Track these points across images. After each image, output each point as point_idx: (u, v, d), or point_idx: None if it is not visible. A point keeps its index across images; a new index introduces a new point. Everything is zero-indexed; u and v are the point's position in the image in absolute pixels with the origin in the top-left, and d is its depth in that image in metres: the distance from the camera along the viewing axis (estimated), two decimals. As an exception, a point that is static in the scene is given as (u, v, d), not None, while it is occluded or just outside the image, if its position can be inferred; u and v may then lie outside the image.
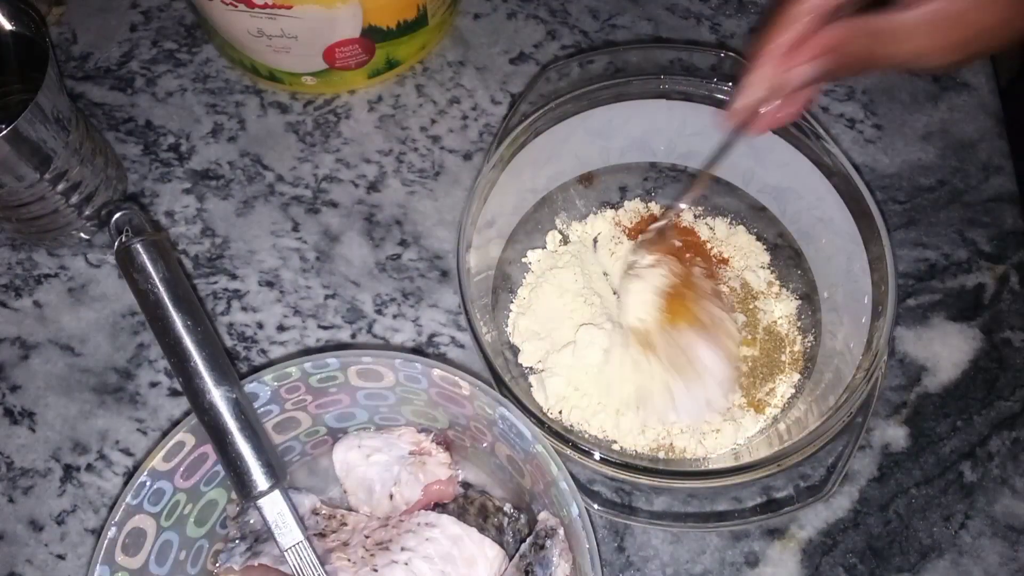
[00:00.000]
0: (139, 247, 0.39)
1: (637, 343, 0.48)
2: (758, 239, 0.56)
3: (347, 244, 0.58)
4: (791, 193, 0.53)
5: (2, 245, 0.58)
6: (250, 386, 0.41)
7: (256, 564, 0.41)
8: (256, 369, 0.44)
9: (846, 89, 0.63)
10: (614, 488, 0.49)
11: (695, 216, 0.57)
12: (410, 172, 0.60)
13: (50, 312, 0.56)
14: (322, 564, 0.40)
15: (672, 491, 0.49)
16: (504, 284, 0.54)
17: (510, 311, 0.54)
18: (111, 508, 0.40)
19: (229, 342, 0.55)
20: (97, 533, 0.48)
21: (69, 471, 0.51)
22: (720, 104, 0.52)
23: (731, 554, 0.49)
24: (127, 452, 0.52)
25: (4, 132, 0.46)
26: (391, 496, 0.44)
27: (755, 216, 0.56)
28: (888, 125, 0.62)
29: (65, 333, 0.55)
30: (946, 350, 0.54)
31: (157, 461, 0.39)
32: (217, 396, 0.39)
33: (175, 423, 0.48)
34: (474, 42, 0.66)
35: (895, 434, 0.52)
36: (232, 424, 0.39)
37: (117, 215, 0.40)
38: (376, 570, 0.40)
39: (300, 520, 0.40)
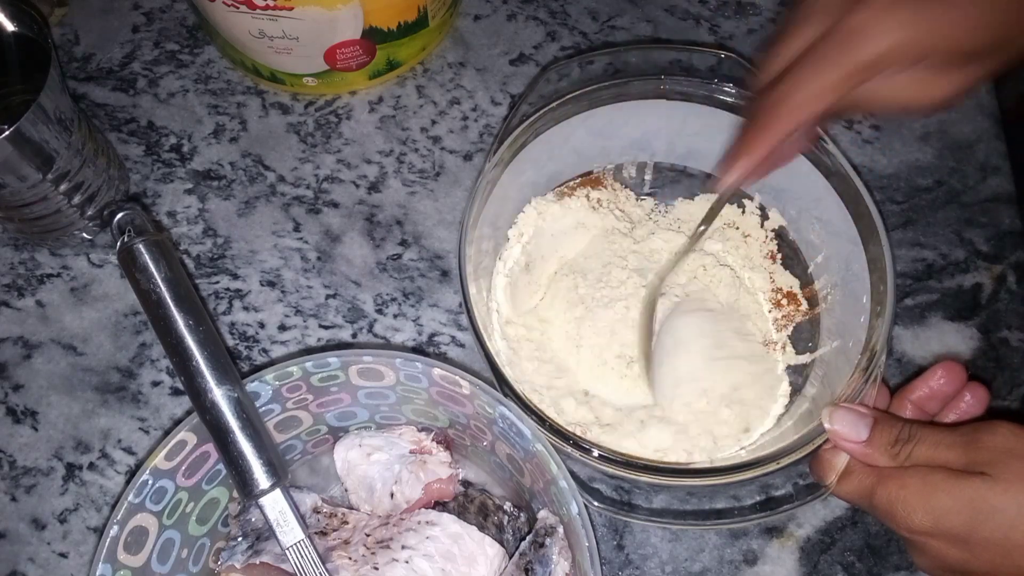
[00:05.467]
0: (141, 247, 0.39)
1: None
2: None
3: (348, 244, 0.58)
4: (790, 193, 0.54)
5: (5, 245, 0.58)
6: (251, 385, 0.41)
7: (258, 562, 0.42)
8: (257, 368, 0.44)
9: (845, 90, 0.63)
10: (613, 486, 0.50)
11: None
12: (411, 172, 0.61)
13: (52, 312, 0.56)
14: (323, 562, 0.40)
15: (671, 489, 0.49)
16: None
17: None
18: (113, 506, 0.40)
19: (231, 341, 0.55)
20: (99, 531, 0.49)
21: (71, 470, 0.52)
22: (719, 104, 0.52)
23: (730, 552, 0.49)
24: (129, 451, 0.52)
25: (7, 133, 0.46)
26: (392, 494, 0.44)
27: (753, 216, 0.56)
28: (886, 126, 0.62)
29: (67, 333, 0.55)
30: (944, 349, 0.54)
31: (159, 460, 0.39)
32: (219, 395, 0.39)
33: (177, 422, 0.48)
34: (474, 43, 0.66)
35: (893, 433, 0.52)
36: (234, 423, 0.39)
37: (119, 215, 0.40)
38: (377, 568, 0.40)
39: (301, 518, 0.40)
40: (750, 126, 0.42)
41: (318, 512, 0.45)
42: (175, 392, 0.54)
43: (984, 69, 0.39)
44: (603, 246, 0.55)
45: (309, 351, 0.55)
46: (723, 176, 0.44)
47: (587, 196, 0.56)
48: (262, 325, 0.56)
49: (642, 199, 0.58)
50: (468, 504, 0.45)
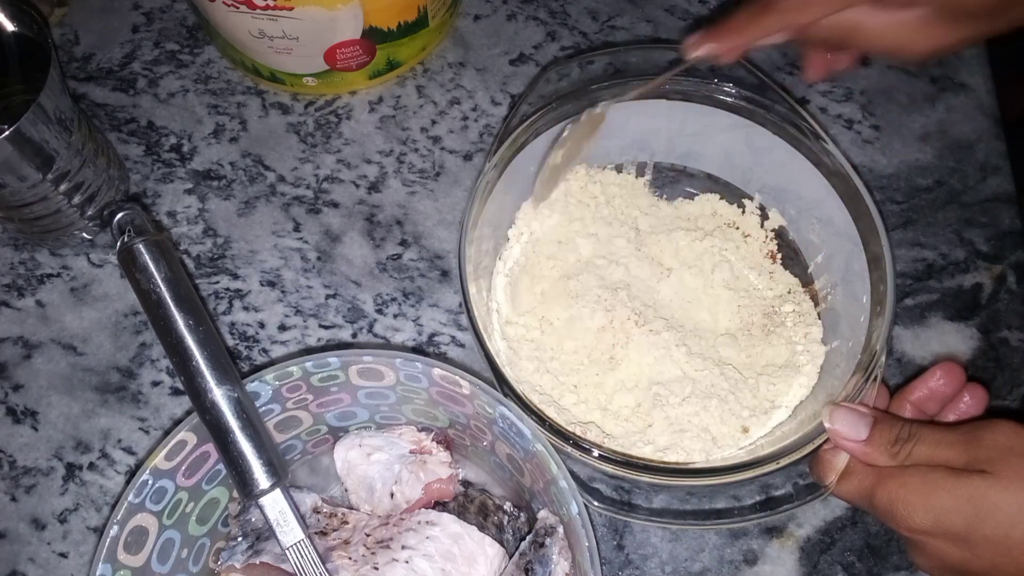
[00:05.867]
0: (141, 247, 0.39)
1: None
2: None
3: (348, 244, 0.58)
4: (790, 193, 0.54)
5: (5, 245, 0.58)
6: (251, 385, 0.41)
7: (258, 562, 0.42)
8: (258, 368, 0.44)
9: (844, 90, 0.63)
10: (614, 486, 0.50)
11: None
12: (411, 172, 0.61)
13: (52, 312, 0.56)
14: (323, 562, 0.40)
15: (671, 489, 0.49)
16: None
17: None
18: (113, 506, 0.40)
19: (231, 341, 0.55)
20: (99, 531, 0.49)
21: (71, 470, 0.52)
22: (719, 104, 0.52)
23: (730, 552, 0.49)
24: (129, 451, 0.52)
25: (7, 133, 0.46)
26: (392, 494, 0.44)
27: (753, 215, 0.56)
28: (886, 126, 0.62)
29: (67, 332, 0.55)
30: (944, 350, 0.54)
31: (159, 460, 0.39)
32: (219, 395, 0.39)
33: (177, 422, 0.48)
34: (474, 43, 0.66)
35: (893, 433, 0.52)
36: (234, 423, 0.39)
37: (119, 215, 0.40)
38: (377, 568, 0.40)
39: (301, 518, 0.40)
40: (744, 12, 0.42)
41: (318, 512, 0.45)
42: (175, 392, 0.54)
43: (978, 31, 0.39)
44: (603, 246, 0.54)
45: (309, 351, 0.55)
46: (696, 44, 0.44)
47: (588, 194, 0.56)
48: (262, 325, 0.56)
49: (655, 199, 0.57)
50: (468, 504, 0.45)
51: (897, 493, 0.38)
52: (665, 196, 0.58)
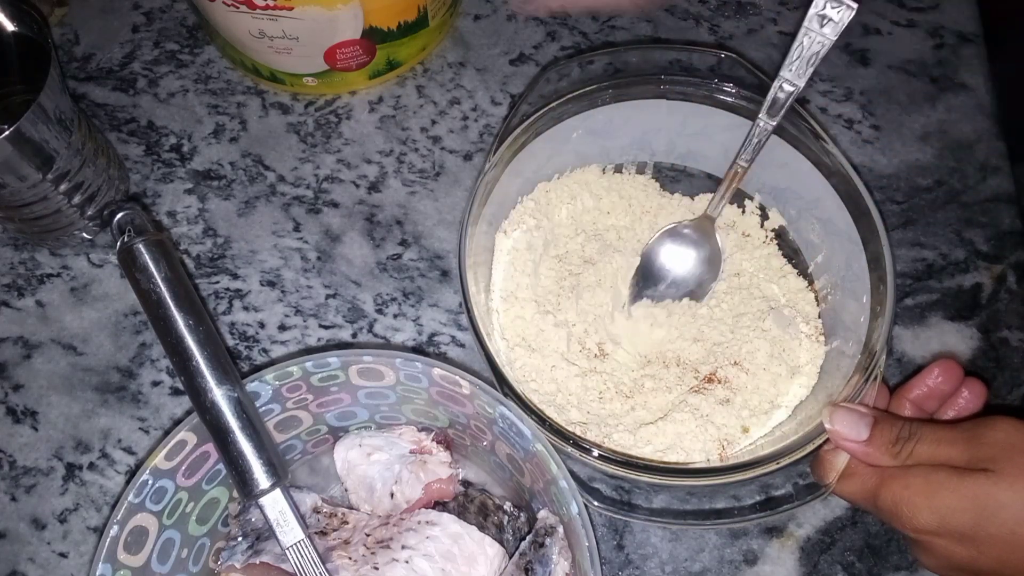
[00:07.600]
0: (141, 247, 0.39)
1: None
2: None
3: (348, 244, 0.58)
4: (790, 193, 0.54)
5: (5, 245, 0.58)
6: (251, 385, 0.41)
7: (258, 562, 0.42)
8: (258, 368, 0.44)
9: (844, 90, 0.63)
10: (614, 486, 0.50)
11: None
12: (411, 172, 0.61)
13: (52, 312, 0.56)
14: (323, 562, 0.40)
15: (671, 488, 0.49)
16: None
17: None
18: (113, 506, 0.40)
19: (231, 341, 0.55)
20: (99, 531, 0.49)
21: (71, 470, 0.52)
22: (719, 104, 0.52)
23: (730, 552, 0.49)
24: (129, 451, 0.52)
25: (7, 132, 0.46)
26: (392, 494, 0.44)
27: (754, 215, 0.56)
28: (886, 126, 0.62)
29: (67, 332, 0.55)
30: (944, 350, 0.54)
31: (159, 460, 0.39)
32: (219, 395, 0.39)
33: (177, 422, 0.48)
34: (474, 43, 0.66)
35: (893, 433, 0.52)
36: (234, 423, 0.39)
37: (119, 215, 0.40)
38: (377, 568, 0.40)
39: (301, 518, 0.40)
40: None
41: (318, 512, 0.45)
42: (175, 392, 0.54)
43: None
44: (602, 244, 0.55)
45: (309, 351, 0.55)
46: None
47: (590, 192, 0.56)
48: (262, 325, 0.56)
49: (665, 194, 0.57)
50: (468, 504, 0.45)
51: (901, 494, 0.38)
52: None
